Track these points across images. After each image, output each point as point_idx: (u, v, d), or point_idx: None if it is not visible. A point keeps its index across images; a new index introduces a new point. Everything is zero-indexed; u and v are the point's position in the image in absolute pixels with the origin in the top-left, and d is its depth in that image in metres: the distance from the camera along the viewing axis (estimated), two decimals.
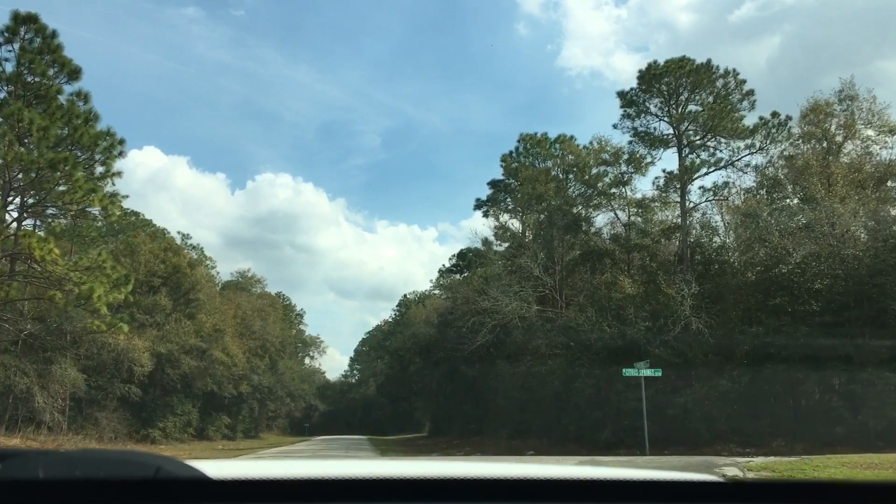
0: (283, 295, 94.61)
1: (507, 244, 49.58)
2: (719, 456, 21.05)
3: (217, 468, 1.45)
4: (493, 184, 50.68)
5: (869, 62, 52.80)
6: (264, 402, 72.03)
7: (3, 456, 1.33)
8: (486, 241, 51.20)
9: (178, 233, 63.64)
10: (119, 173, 29.84)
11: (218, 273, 73.75)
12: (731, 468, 13.81)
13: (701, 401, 24.60)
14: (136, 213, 63.51)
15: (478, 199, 51.80)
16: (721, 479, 1.59)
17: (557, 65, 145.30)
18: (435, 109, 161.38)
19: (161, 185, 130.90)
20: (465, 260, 58.73)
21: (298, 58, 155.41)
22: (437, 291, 77.77)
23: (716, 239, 30.95)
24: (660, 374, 20.05)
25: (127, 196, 58.02)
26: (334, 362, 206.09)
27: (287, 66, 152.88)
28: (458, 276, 63.48)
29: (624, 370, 20.06)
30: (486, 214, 51.09)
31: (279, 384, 74.47)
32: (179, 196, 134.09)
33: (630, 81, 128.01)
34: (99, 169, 29.45)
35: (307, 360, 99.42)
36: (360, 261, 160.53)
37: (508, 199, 50.13)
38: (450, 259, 66.57)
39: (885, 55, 65.94)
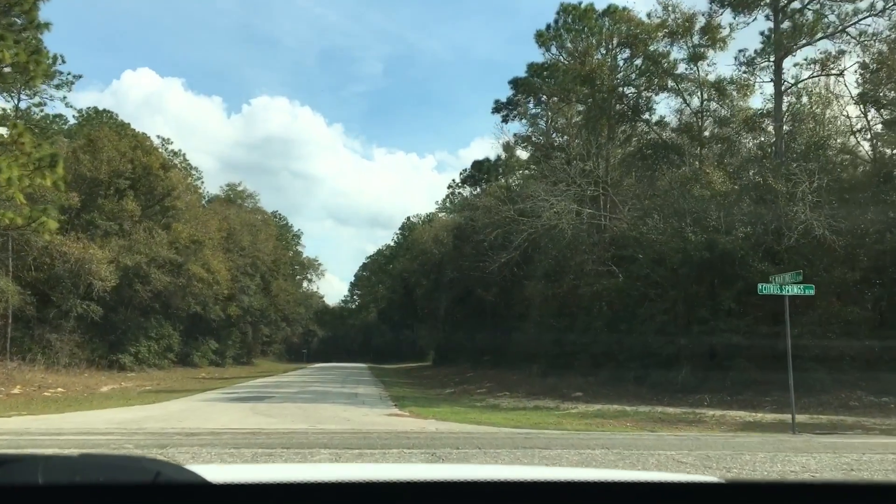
0: (280, 214, 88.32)
1: (532, 150, 42.87)
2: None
3: (217, 473, 1.44)
4: (515, 83, 43.59)
5: None
6: (257, 325, 67.14)
7: (2, 461, 1.30)
8: (507, 146, 44.29)
9: (158, 136, 56.52)
10: (47, 25, 22.84)
11: (203, 184, 66.96)
12: None
13: (820, 334, 18.20)
14: (110, 113, 56.59)
15: (497, 101, 44.80)
16: (721, 480, 1.55)
17: None
18: (436, 35, 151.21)
19: (156, 107, 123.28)
20: (482, 170, 51.72)
21: None
22: (443, 214, 71.54)
23: (815, 126, 24.00)
24: (812, 291, 13.69)
25: (81, 76, 50.76)
26: (333, 289, 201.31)
27: None
28: (470, 191, 56.80)
29: (760, 286, 13.58)
30: (505, 119, 44.17)
31: (273, 307, 69.16)
32: (174, 119, 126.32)
33: (637, 11, 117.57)
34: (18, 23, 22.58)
35: (305, 284, 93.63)
36: (357, 188, 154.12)
37: (533, 103, 43.29)
38: (461, 173, 59.52)
39: None
